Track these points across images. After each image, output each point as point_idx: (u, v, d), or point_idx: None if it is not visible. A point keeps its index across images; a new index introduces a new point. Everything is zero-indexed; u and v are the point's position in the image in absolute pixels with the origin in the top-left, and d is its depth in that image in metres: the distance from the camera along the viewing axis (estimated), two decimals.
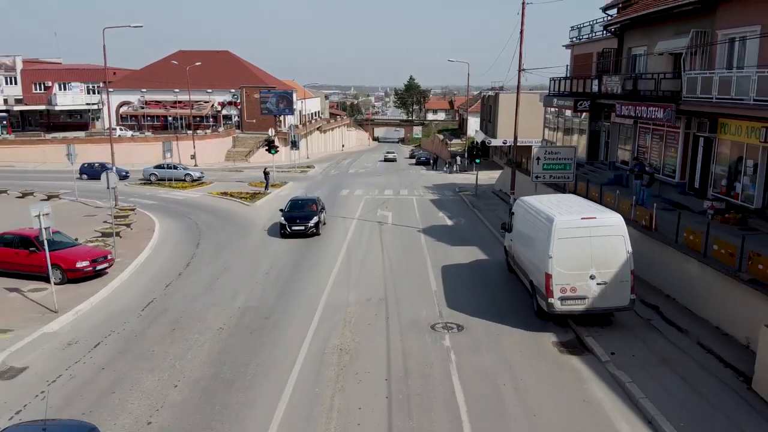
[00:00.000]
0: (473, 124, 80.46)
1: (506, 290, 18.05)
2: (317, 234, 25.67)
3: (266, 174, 40.68)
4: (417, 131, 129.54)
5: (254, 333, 14.63)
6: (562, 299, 14.06)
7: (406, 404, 11.14)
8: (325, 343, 13.95)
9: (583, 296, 14.06)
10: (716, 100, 19.70)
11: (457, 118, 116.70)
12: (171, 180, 44.03)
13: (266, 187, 40.03)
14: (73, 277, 18.15)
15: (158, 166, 45.74)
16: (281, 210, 26.88)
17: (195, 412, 10.80)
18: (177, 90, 72.04)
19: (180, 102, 73.81)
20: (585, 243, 14.00)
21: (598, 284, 14.02)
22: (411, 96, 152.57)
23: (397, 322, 15.34)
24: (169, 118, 75.23)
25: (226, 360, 13.08)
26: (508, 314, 15.79)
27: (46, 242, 15.84)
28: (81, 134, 66.14)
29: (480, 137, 66.06)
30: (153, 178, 45.25)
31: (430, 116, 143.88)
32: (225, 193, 38.83)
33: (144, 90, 75.00)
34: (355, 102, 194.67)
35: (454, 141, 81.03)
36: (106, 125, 74.95)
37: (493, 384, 11.91)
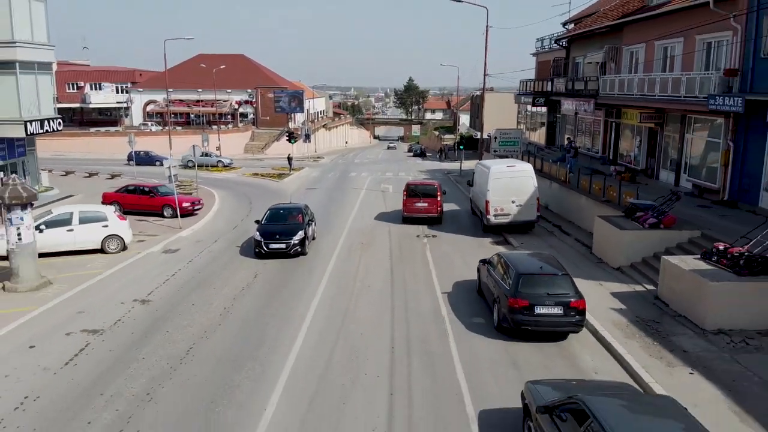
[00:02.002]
0: (465, 121, 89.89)
1: (467, 223, 27.15)
2: (303, 254, 20.63)
3: (289, 159, 49.87)
4: (416, 130, 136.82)
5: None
6: (495, 215, 23.14)
7: (400, 260, 20.32)
8: (352, 241, 23.17)
9: (507, 213, 23.12)
10: (617, 95, 28.78)
11: (453, 117, 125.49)
12: (207, 166, 53.02)
13: (290, 169, 49.16)
14: (179, 213, 27.13)
15: None
16: (257, 221, 21.87)
17: (281, 272, 19.66)
18: (200, 90, 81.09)
19: (201, 101, 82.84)
20: (508, 181, 23.06)
21: (516, 206, 23.06)
22: (410, 96, 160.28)
23: (396, 235, 24.50)
24: (192, 116, 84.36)
25: None
26: (465, 232, 24.91)
27: (175, 188, 24.94)
28: (119, 128, 75.23)
29: (464, 130, 76.67)
30: (190, 164, 54.06)
31: (428, 116, 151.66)
32: (256, 174, 47.93)
33: (170, 90, 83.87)
34: (356, 102, 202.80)
35: (447, 136, 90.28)
36: (135, 122, 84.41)
37: (449, 255, 21.05)
